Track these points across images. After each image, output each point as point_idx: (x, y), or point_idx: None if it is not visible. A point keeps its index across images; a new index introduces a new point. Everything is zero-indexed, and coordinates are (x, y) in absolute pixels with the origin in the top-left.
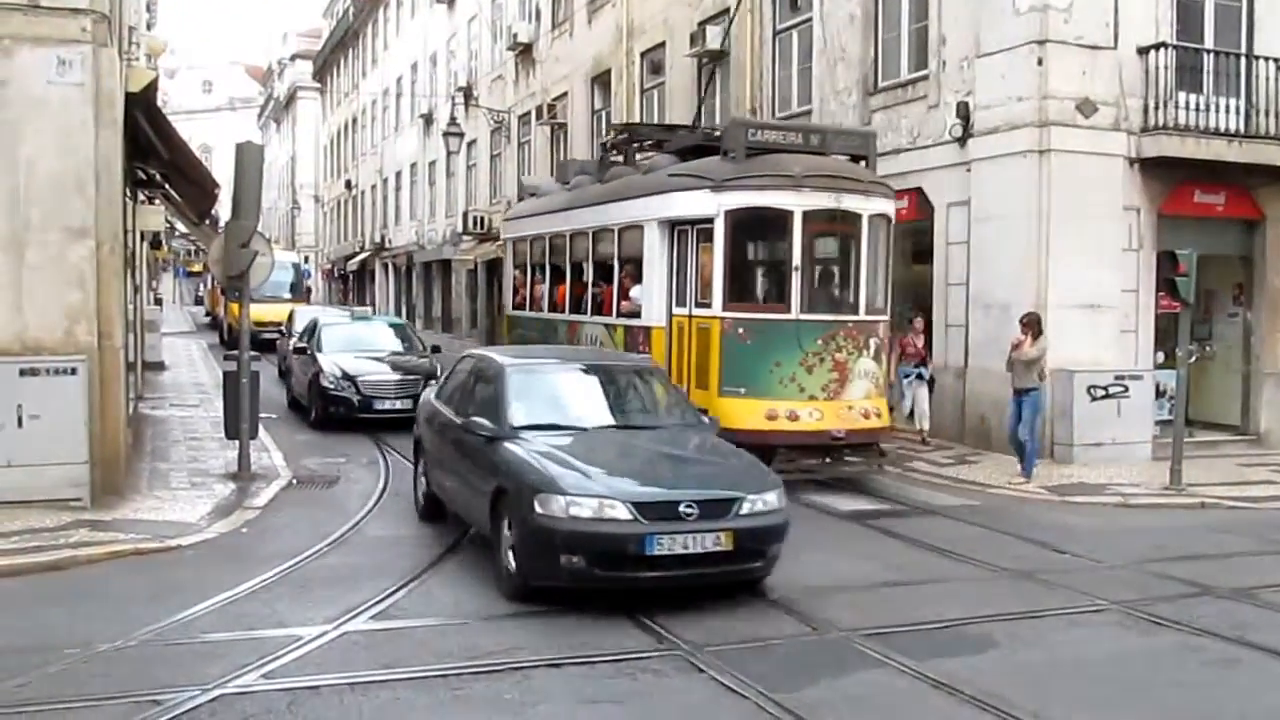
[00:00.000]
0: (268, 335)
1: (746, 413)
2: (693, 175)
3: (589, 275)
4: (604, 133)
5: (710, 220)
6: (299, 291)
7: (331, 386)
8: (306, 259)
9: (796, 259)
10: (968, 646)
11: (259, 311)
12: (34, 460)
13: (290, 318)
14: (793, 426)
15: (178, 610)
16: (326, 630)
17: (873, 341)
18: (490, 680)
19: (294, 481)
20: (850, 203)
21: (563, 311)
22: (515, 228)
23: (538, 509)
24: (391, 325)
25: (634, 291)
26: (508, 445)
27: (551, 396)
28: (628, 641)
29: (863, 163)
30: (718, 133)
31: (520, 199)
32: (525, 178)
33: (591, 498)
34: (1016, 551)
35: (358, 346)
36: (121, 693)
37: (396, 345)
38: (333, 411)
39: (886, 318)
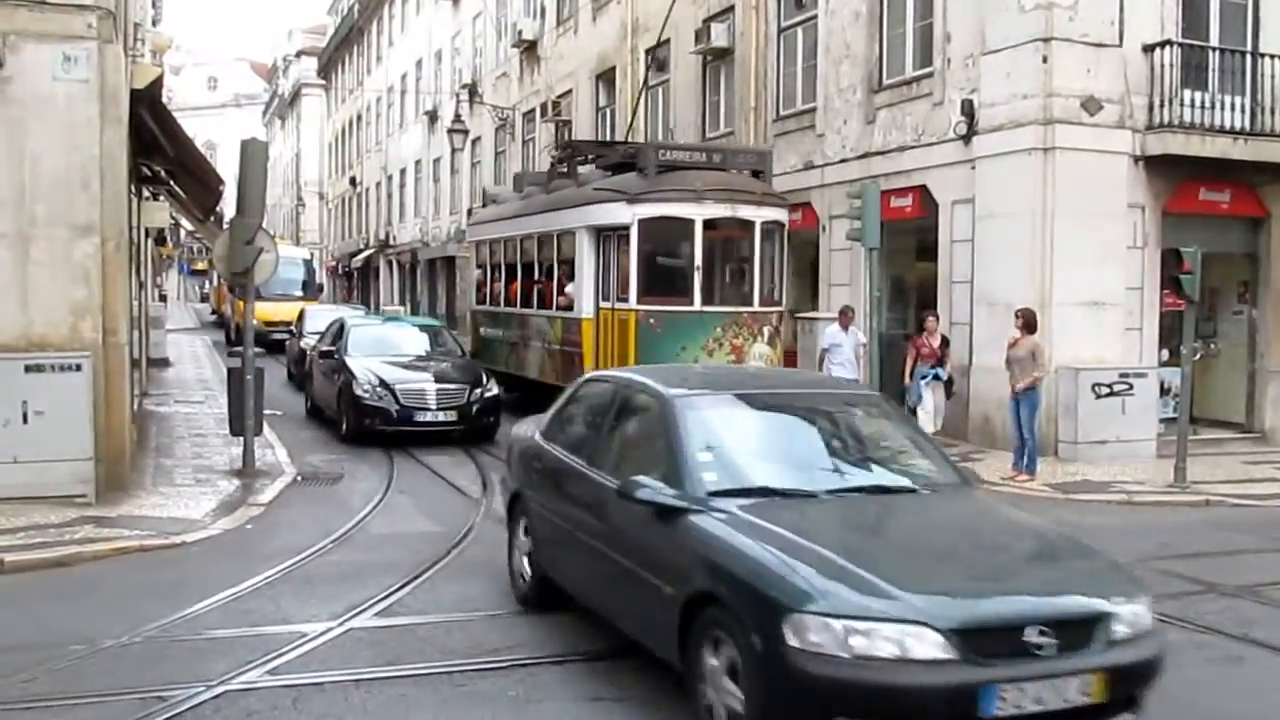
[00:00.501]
0: (277, 335)
1: None
2: (613, 189)
3: (537, 274)
4: (556, 143)
5: (627, 228)
6: (310, 289)
7: (366, 396)
8: (312, 255)
9: (698, 260)
10: None
11: (267, 310)
12: (39, 456)
13: (301, 317)
14: None
15: (182, 606)
16: (331, 627)
17: (766, 329)
18: (494, 678)
19: (299, 478)
20: (744, 212)
21: (516, 306)
22: (478, 231)
23: (790, 638)
24: (427, 327)
25: (569, 288)
26: (704, 523)
27: (748, 443)
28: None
29: (759, 176)
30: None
31: (484, 205)
32: (488, 185)
33: (884, 622)
34: None
35: (391, 350)
36: (126, 689)
37: (434, 349)
38: (367, 424)
39: (780, 308)
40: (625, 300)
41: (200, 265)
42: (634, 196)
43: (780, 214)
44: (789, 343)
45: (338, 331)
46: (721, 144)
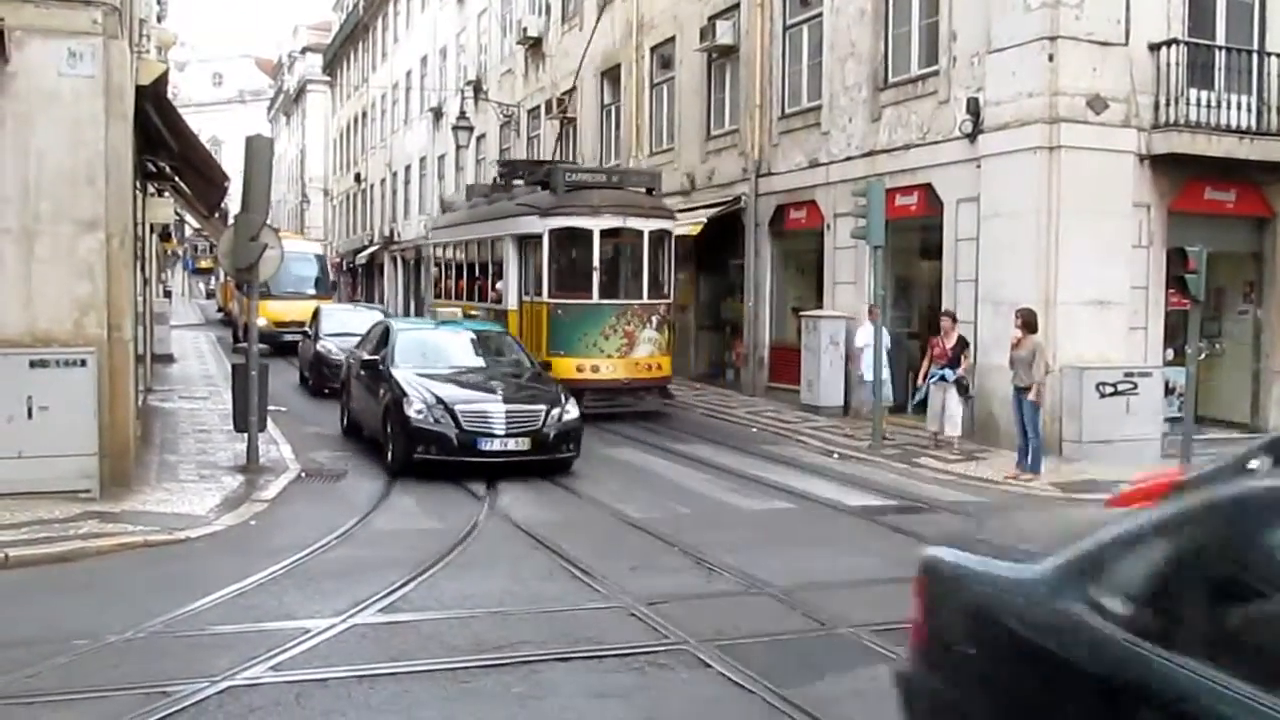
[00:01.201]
0: (289, 336)
1: (565, 367)
2: (530, 205)
3: (477, 273)
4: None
5: (540, 237)
6: (324, 287)
7: (419, 418)
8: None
9: (595, 262)
10: None
11: (277, 309)
12: (44, 452)
13: (316, 316)
14: (595, 376)
15: (186, 602)
16: (334, 623)
17: (654, 317)
18: (498, 674)
19: (302, 474)
20: (634, 223)
21: (463, 299)
22: (436, 235)
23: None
24: (489, 334)
25: (499, 285)
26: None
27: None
28: (635, 636)
29: (651, 193)
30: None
31: (443, 211)
32: (445, 194)
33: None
34: None
35: (447, 362)
36: (130, 684)
37: (498, 360)
38: (420, 452)
39: (668, 300)
40: (540, 295)
41: (205, 264)
42: (545, 211)
43: (667, 224)
44: (793, 339)
45: (381, 337)
46: (619, 166)
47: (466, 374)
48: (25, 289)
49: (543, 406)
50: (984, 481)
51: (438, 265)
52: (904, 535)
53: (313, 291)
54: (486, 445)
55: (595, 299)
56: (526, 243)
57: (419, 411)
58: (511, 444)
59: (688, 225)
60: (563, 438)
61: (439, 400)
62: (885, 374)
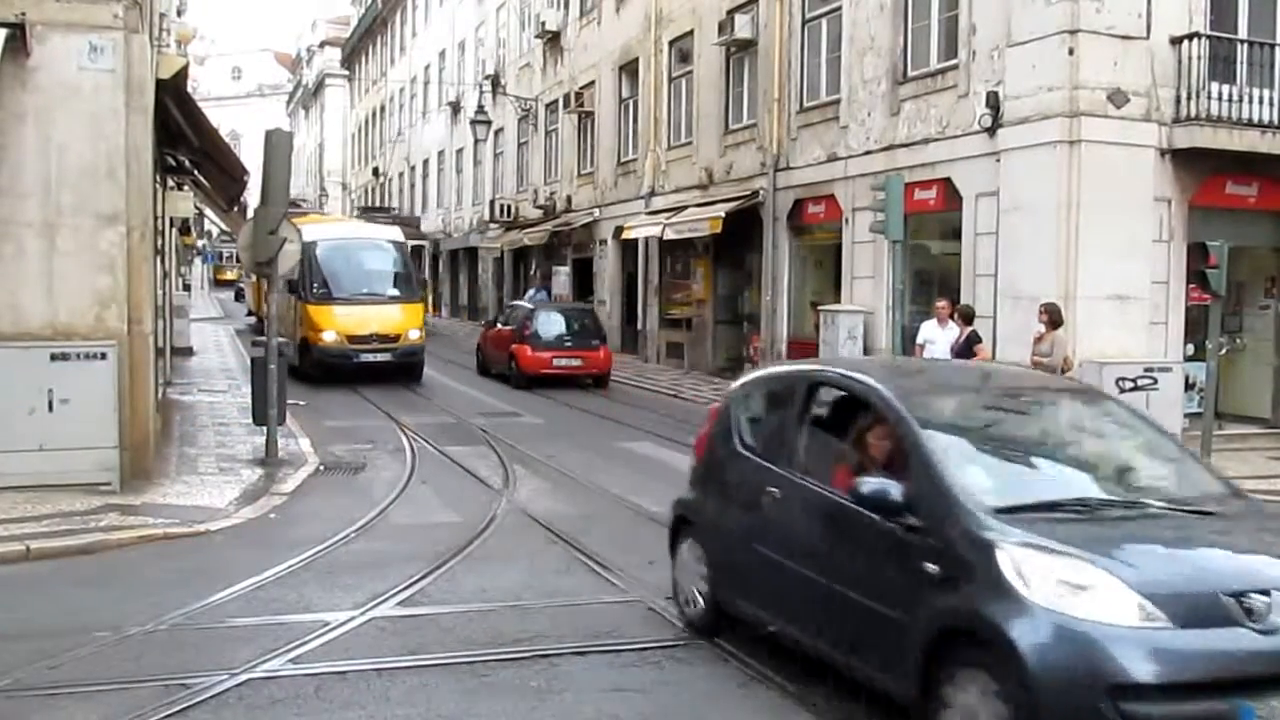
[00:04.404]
0: (372, 356)
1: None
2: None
3: None
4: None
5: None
6: (409, 287)
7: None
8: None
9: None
10: None
11: (350, 317)
12: (64, 444)
13: (413, 325)
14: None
15: (206, 594)
16: (354, 616)
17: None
18: (516, 667)
19: (321, 467)
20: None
21: None
22: None
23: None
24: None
25: None
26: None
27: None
28: (653, 630)
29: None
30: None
31: None
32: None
33: None
34: None
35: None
36: (151, 676)
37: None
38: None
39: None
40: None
41: (228, 275)
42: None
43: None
44: (811, 334)
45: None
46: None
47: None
48: (46, 282)
49: None
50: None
51: None
52: None
53: (394, 292)
54: None
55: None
56: None
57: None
58: None
59: (706, 219)
60: None
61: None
62: None
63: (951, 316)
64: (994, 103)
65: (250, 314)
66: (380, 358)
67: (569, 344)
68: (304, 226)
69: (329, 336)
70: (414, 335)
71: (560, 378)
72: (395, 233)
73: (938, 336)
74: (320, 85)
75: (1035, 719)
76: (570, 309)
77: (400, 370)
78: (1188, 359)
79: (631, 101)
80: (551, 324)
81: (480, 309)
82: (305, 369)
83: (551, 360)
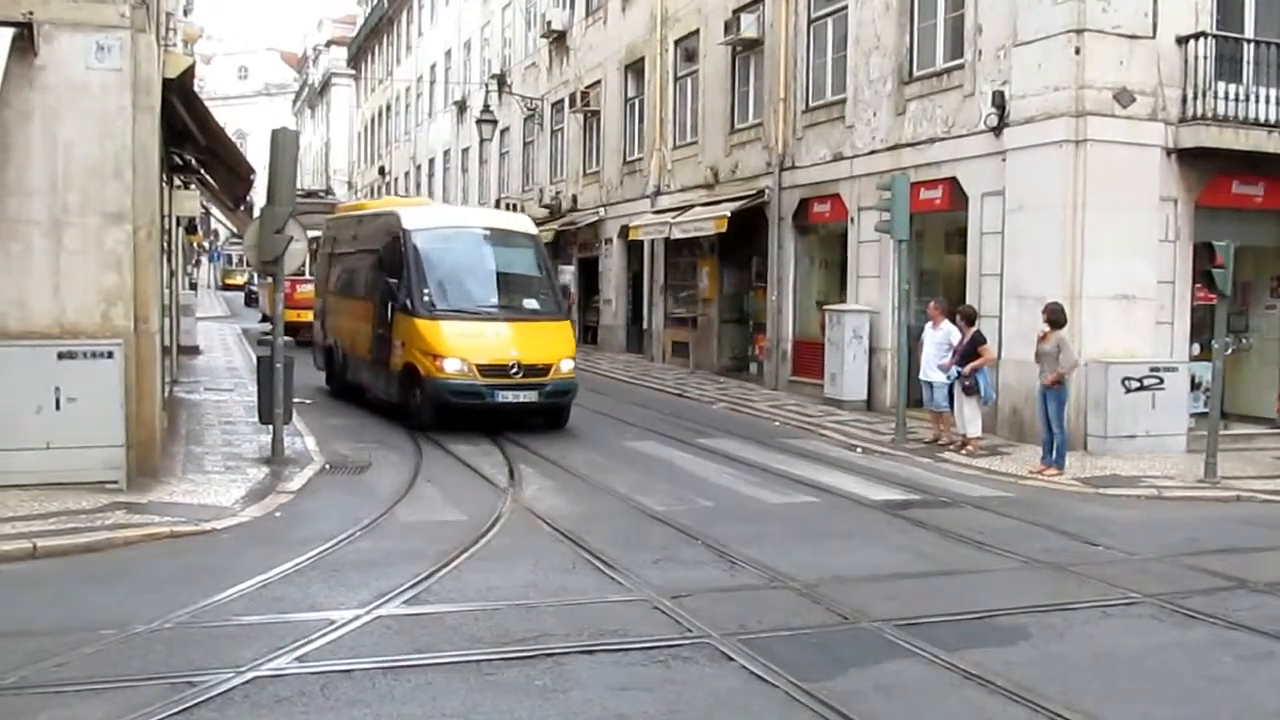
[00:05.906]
0: (508, 396)
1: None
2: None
3: None
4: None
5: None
6: (553, 298)
7: None
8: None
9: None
10: (999, 637)
11: (478, 341)
12: (71, 443)
13: (565, 354)
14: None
15: (212, 593)
16: (359, 614)
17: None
18: (522, 666)
19: (327, 466)
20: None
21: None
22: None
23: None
24: None
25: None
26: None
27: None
28: (658, 629)
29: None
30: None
31: None
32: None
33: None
34: (1049, 543)
35: None
36: (157, 674)
37: None
38: None
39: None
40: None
41: (235, 280)
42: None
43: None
44: (817, 333)
45: None
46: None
47: None
48: (54, 280)
49: None
50: (1008, 476)
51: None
52: (927, 530)
53: (534, 304)
54: None
55: None
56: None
57: None
58: None
59: (711, 219)
60: None
61: None
62: (941, 378)
63: (951, 317)
64: (1000, 102)
65: (264, 319)
66: (524, 397)
67: None
68: (400, 211)
69: (452, 366)
70: (566, 367)
71: None
72: (526, 223)
73: (926, 337)
74: (326, 84)
75: None
76: None
77: (546, 415)
78: (1194, 359)
79: (637, 101)
80: None
81: None
82: (414, 411)
83: None
